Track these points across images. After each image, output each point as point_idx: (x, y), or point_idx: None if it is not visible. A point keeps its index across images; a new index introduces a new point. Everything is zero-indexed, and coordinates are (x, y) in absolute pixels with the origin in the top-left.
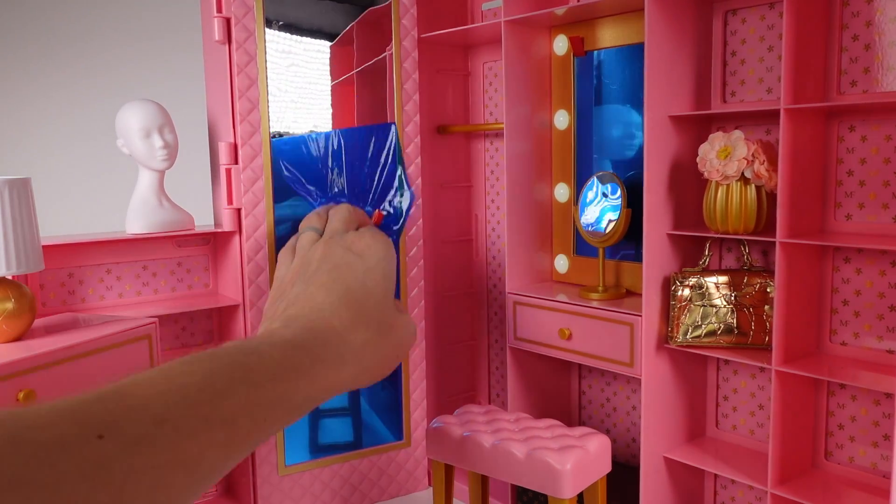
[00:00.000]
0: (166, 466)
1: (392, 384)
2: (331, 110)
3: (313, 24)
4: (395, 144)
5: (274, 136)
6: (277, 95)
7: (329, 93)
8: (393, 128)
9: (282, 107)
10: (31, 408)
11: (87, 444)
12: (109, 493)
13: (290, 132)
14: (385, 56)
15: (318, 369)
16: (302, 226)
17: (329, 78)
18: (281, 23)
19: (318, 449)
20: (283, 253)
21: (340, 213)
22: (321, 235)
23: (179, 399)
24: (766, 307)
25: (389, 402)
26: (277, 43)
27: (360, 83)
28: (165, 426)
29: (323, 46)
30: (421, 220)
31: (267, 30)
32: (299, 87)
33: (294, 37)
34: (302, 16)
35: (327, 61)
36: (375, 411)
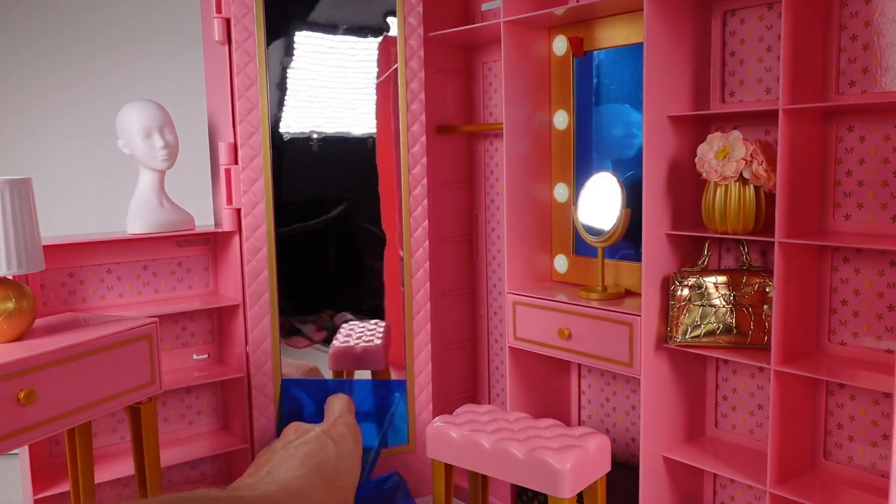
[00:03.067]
0: None
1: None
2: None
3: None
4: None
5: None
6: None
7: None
8: (398, 396)
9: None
10: None
11: None
12: None
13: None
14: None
15: None
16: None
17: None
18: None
19: None
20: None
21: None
22: None
23: None
24: (765, 307)
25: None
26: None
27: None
28: None
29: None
30: (426, 222)
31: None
32: (313, 86)
33: (321, 34)
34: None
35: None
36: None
